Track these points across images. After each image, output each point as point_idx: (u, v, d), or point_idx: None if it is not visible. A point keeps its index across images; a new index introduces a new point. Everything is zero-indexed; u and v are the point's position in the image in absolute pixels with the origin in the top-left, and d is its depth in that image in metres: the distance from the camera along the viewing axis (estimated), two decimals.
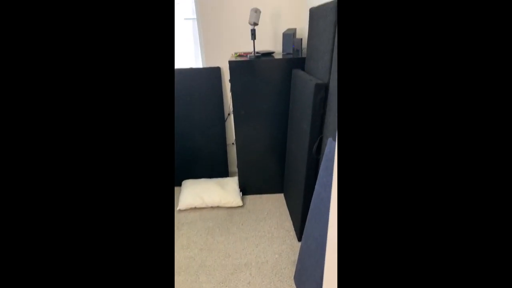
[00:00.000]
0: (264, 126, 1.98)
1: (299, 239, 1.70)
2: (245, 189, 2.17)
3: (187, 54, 2.35)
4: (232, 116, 2.33)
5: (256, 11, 1.73)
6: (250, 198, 2.17)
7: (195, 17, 2.15)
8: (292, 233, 1.78)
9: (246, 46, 2.15)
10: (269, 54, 1.96)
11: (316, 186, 1.21)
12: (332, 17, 1.27)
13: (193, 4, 2.10)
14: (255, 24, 1.75)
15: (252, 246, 1.69)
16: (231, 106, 2.29)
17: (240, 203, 2.04)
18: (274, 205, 2.07)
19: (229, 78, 1.87)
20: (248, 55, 1.91)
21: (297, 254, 1.57)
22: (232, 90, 1.90)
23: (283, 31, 2.11)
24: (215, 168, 2.36)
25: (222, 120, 2.27)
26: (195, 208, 2.05)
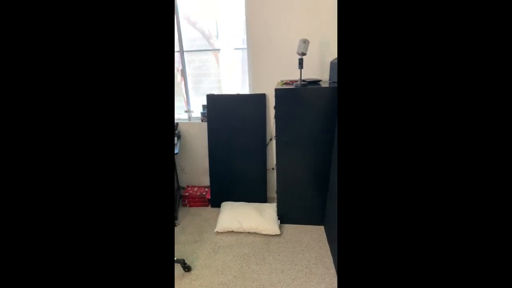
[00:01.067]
0: (307, 154, 1.94)
1: None
2: (283, 217, 2.11)
3: (235, 81, 2.48)
4: (273, 141, 2.34)
5: (305, 42, 1.77)
6: (288, 227, 2.09)
7: (244, 47, 2.29)
8: (332, 271, 1.64)
9: (293, 74, 2.19)
10: (315, 82, 1.96)
11: None
12: None
13: (244, 35, 2.24)
14: (303, 54, 1.79)
15: (288, 280, 1.59)
16: (273, 132, 2.31)
17: (278, 232, 1.97)
18: (313, 238, 1.96)
19: (274, 104, 1.90)
20: (294, 83, 1.93)
21: None
22: (276, 116, 1.92)
23: (331, 59, 2.11)
24: (253, 193, 2.35)
25: (264, 145, 2.28)
26: (232, 232, 2.03)
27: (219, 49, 2.38)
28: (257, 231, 1.99)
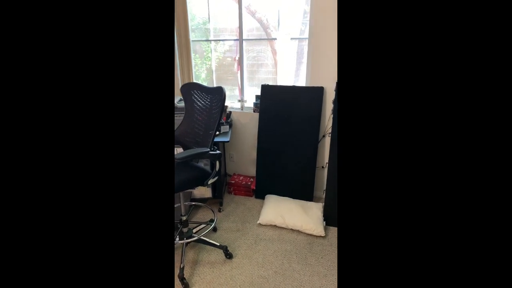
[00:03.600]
0: None
1: None
2: (330, 219, 2.00)
3: (290, 72, 2.40)
4: (327, 138, 2.22)
5: None
6: (334, 230, 1.98)
7: (302, 36, 2.18)
8: None
9: None
10: None
11: None
12: None
13: (302, 25, 2.13)
14: None
15: (331, 286, 1.50)
16: (328, 128, 2.18)
17: (323, 233, 1.88)
18: None
19: (333, 99, 1.78)
20: None
21: None
22: (335, 112, 1.80)
23: None
24: (299, 189, 2.27)
25: (316, 141, 2.18)
26: (275, 226, 2.00)
27: (275, 38, 2.32)
28: (300, 229, 1.93)
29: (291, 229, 1.96)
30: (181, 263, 1.54)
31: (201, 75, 2.59)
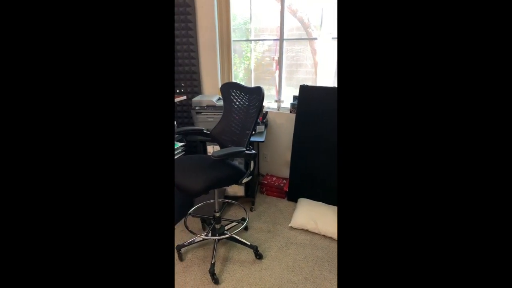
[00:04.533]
0: None
1: None
2: None
3: (330, 73, 2.32)
4: None
5: None
6: None
7: None
8: None
9: None
10: None
11: None
12: None
13: None
14: None
15: None
16: None
17: None
18: None
19: None
20: None
21: None
22: None
23: None
24: (333, 195, 2.18)
25: None
26: (307, 231, 1.95)
27: (316, 38, 2.26)
28: (333, 236, 1.85)
29: (324, 235, 1.90)
30: (212, 259, 1.57)
31: (239, 75, 2.63)
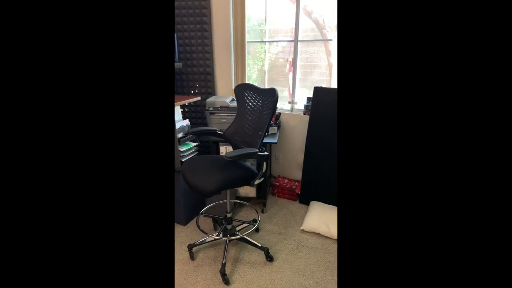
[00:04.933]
0: None
1: None
2: None
3: None
4: None
5: None
6: None
7: None
8: None
9: None
10: None
11: None
12: None
13: None
14: None
15: None
16: None
17: None
18: None
19: None
20: None
21: None
22: None
23: None
24: None
25: None
26: (319, 235, 1.92)
27: (331, 39, 2.23)
28: None
29: (336, 239, 1.86)
30: (223, 259, 1.57)
31: (252, 76, 2.63)
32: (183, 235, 1.91)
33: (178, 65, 2.25)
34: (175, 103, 1.74)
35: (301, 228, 1.97)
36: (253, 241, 1.72)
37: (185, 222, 2.01)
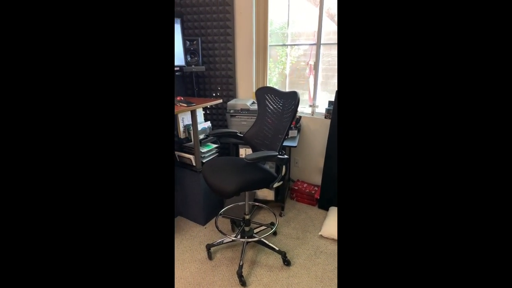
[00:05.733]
0: None
1: None
2: None
3: None
4: None
5: None
6: None
7: None
8: None
9: None
10: None
11: None
12: None
13: None
14: None
15: None
16: None
17: None
18: None
19: None
20: None
21: None
22: None
23: None
24: None
25: None
26: (337, 241, 1.88)
27: None
28: None
29: None
30: (240, 261, 1.58)
31: (273, 79, 2.64)
32: (201, 235, 1.94)
33: (201, 68, 2.31)
34: (198, 106, 1.79)
35: (320, 233, 1.93)
36: (270, 244, 1.72)
37: (204, 222, 2.05)
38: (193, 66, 2.28)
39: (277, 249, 1.69)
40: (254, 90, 2.51)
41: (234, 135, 1.78)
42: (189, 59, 2.26)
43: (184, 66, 2.24)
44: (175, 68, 2.22)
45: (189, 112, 1.97)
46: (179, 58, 2.17)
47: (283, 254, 1.67)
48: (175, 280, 1.55)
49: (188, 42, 2.23)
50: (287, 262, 1.67)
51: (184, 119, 2.06)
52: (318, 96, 2.39)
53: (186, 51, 2.24)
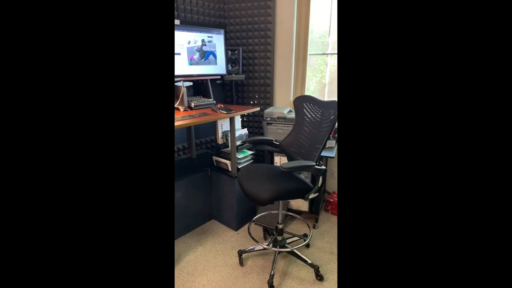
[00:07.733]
0: None
1: None
2: None
3: None
4: None
5: None
6: None
7: None
8: None
9: None
10: None
11: None
12: None
13: None
14: None
15: None
16: None
17: None
18: None
19: None
20: None
21: None
22: None
23: None
24: None
25: None
26: None
27: None
28: None
29: None
30: (271, 270, 1.56)
31: (310, 88, 2.61)
32: (234, 240, 1.96)
33: (241, 77, 2.37)
34: (237, 113, 1.84)
35: None
36: (303, 256, 1.67)
37: (236, 228, 2.07)
38: (233, 74, 2.36)
39: (310, 262, 1.64)
40: (292, 99, 2.51)
41: (270, 142, 1.79)
42: (230, 68, 2.35)
43: (225, 75, 2.33)
44: (217, 77, 2.32)
45: (228, 119, 2.03)
46: (222, 67, 2.26)
47: (316, 268, 1.62)
48: (207, 283, 1.58)
49: (230, 52, 2.32)
50: (320, 277, 1.60)
51: (223, 125, 2.13)
52: None
53: (228, 60, 2.32)
